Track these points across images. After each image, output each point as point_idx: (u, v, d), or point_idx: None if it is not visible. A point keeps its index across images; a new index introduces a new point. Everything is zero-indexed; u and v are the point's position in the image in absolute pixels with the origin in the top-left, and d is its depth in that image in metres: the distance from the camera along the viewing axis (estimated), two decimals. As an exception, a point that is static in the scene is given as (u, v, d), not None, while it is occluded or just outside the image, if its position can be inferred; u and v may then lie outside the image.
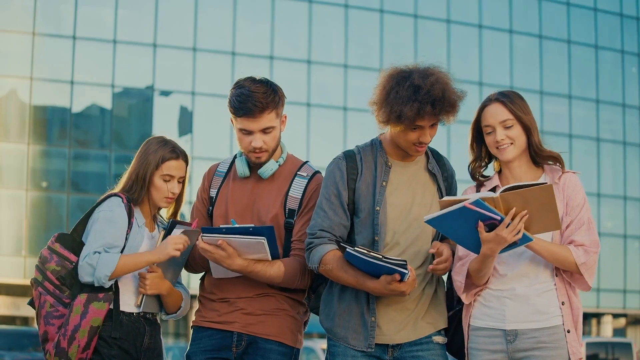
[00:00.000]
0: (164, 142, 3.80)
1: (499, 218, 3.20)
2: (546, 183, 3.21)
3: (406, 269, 3.25)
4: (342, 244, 3.38)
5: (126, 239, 3.69)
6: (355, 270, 3.39)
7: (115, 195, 3.74)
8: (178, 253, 3.62)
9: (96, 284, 3.58)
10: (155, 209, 3.85)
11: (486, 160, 3.62)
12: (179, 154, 3.79)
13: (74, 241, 3.70)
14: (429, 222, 3.27)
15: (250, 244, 3.44)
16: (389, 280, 3.28)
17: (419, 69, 3.43)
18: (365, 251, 3.28)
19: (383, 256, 3.28)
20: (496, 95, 3.54)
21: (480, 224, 3.22)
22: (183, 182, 3.82)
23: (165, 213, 3.93)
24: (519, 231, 3.21)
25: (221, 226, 3.49)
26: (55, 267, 3.66)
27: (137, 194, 3.74)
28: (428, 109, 3.35)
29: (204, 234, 3.46)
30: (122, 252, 3.67)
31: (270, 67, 28.87)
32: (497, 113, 3.47)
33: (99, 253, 3.58)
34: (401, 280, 3.28)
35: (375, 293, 3.40)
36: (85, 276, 3.58)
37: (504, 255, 3.41)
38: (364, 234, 3.49)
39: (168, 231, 3.72)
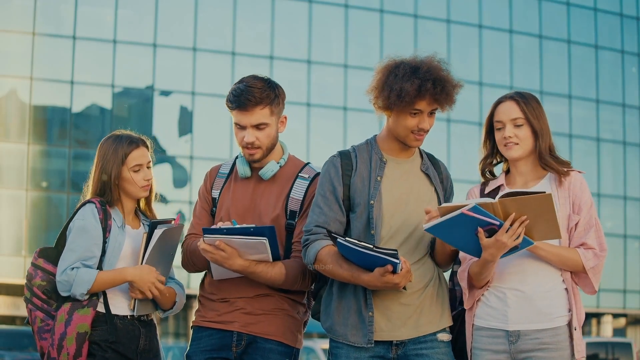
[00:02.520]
0: (118, 138, 3.79)
1: (497, 223, 3.20)
2: (545, 192, 3.19)
3: (397, 258, 3.21)
4: (332, 234, 3.36)
5: (106, 242, 3.68)
6: (350, 265, 3.37)
7: (89, 202, 3.73)
8: (150, 295, 3.65)
9: (72, 298, 3.60)
10: (134, 203, 3.84)
11: (497, 158, 3.64)
12: (138, 142, 3.79)
13: (57, 254, 3.70)
14: (429, 230, 3.28)
15: (252, 244, 3.44)
16: (382, 272, 3.25)
17: (416, 57, 3.49)
18: (356, 241, 3.26)
19: (374, 246, 3.26)
20: (512, 93, 3.57)
21: (480, 229, 3.22)
22: (149, 167, 3.82)
23: (148, 207, 3.91)
24: (519, 236, 3.22)
25: (222, 227, 3.47)
26: (41, 282, 3.67)
27: (109, 196, 3.73)
28: (429, 86, 3.38)
29: (205, 235, 3.45)
30: (104, 255, 3.67)
31: (270, 67, 28.86)
32: (510, 110, 3.51)
33: (77, 269, 3.58)
34: (394, 272, 3.25)
35: (370, 286, 3.38)
36: (62, 292, 3.61)
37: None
38: (360, 229, 3.49)
39: (149, 233, 3.70)
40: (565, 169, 3.51)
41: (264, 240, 3.42)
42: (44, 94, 27.65)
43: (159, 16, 28.57)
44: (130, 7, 28.45)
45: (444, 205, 3.27)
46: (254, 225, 3.46)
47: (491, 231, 3.23)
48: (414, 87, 3.36)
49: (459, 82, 3.48)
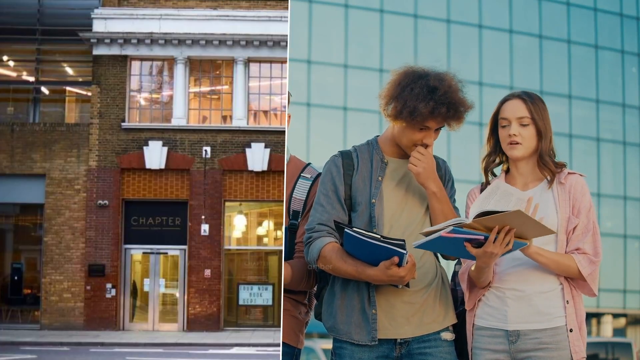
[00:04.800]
0: None
1: (482, 237, 3.21)
2: (518, 210, 3.17)
3: (404, 248, 3.22)
4: (340, 224, 3.37)
5: None
6: (354, 260, 3.38)
7: None
8: None
9: None
10: None
11: (499, 157, 3.63)
12: None
13: None
14: (418, 247, 3.29)
15: None
16: (388, 265, 3.26)
17: (435, 72, 3.47)
18: (363, 231, 3.26)
19: (381, 236, 3.26)
20: (519, 92, 3.56)
21: (467, 244, 3.24)
22: None
23: None
24: (509, 242, 3.22)
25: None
26: None
27: None
28: (443, 110, 3.39)
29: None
30: None
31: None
32: (517, 108, 3.50)
33: None
34: (400, 265, 3.26)
35: (375, 281, 3.39)
36: None
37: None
38: (362, 227, 3.49)
39: None
40: (559, 170, 3.52)
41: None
42: (44, 94, 27.63)
43: (159, 16, 28.55)
44: (130, 7, 28.44)
45: (426, 229, 3.28)
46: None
47: (479, 243, 3.24)
48: (428, 109, 3.38)
49: (472, 103, 3.48)
